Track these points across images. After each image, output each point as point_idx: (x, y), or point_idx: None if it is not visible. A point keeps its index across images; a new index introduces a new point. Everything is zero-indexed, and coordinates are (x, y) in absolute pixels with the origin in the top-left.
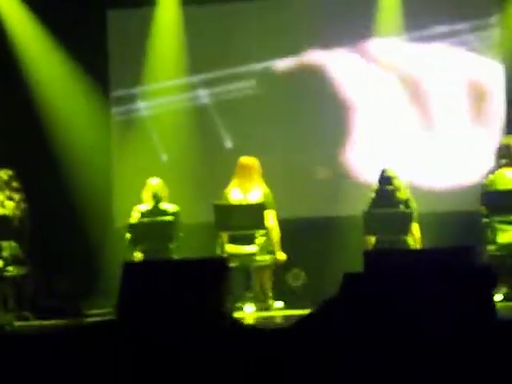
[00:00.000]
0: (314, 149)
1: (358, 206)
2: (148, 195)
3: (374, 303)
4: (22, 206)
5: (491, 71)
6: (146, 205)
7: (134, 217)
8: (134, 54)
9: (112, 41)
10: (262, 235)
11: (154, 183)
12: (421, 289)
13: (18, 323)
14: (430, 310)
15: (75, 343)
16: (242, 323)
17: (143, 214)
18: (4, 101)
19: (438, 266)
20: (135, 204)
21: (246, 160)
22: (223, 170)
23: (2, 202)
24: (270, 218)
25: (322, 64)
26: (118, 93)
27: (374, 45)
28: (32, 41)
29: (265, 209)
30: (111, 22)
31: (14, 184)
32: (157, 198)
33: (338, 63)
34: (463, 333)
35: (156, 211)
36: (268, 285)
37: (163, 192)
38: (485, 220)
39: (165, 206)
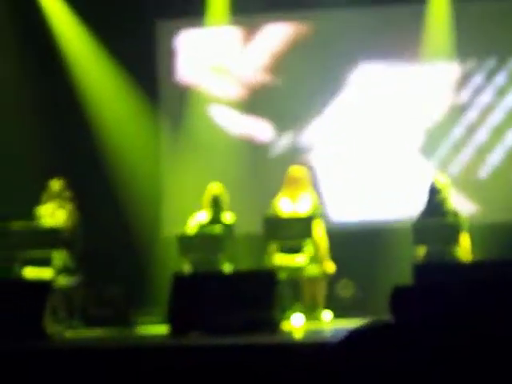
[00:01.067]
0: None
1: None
2: (208, 201)
3: (423, 318)
4: (74, 215)
5: None
6: (205, 213)
7: (191, 226)
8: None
9: (160, 45)
10: (310, 245)
11: (215, 188)
12: (471, 302)
13: (68, 333)
14: (480, 324)
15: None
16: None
17: (201, 225)
18: (55, 111)
19: (488, 279)
20: (184, 213)
21: (295, 171)
22: (272, 178)
23: (53, 212)
24: (318, 230)
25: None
26: (167, 98)
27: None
28: (82, 49)
29: (312, 221)
30: (159, 30)
31: (66, 194)
32: (217, 205)
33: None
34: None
35: (213, 221)
36: (320, 296)
37: (224, 198)
38: None
39: (224, 215)
